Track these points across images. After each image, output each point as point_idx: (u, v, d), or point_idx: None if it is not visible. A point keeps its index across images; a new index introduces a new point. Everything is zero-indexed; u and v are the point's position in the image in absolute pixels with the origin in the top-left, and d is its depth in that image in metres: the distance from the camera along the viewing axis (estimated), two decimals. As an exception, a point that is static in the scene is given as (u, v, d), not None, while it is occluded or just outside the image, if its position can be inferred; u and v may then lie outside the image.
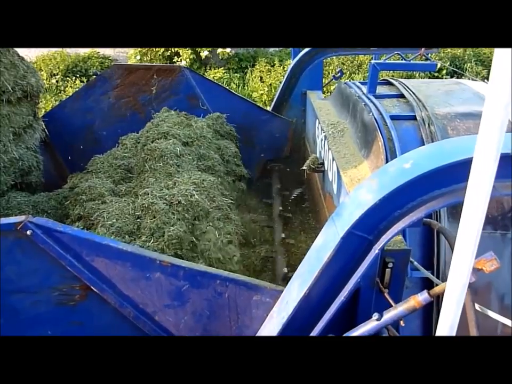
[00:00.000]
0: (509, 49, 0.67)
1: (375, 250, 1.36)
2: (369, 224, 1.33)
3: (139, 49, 8.23)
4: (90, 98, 3.31)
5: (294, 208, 3.30)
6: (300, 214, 3.25)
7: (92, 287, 1.50)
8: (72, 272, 1.48)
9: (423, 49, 2.63)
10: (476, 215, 0.79)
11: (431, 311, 1.90)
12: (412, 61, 2.55)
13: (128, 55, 8.68)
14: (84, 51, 8.79)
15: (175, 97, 3.37)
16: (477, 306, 1.45)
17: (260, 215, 3.31)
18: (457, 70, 8.49)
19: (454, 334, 0.89)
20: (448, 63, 9.31)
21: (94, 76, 3.51)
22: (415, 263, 1.76)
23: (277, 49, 9.38)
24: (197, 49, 8.06)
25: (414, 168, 1.27)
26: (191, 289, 1.54)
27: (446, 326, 0.88)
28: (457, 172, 1.27)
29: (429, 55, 2.98)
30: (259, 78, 8.21)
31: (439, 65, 9.29)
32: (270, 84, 7.89)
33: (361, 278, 1.49)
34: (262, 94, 7.76)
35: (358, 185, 1.45)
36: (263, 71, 8.33)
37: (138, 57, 8.32)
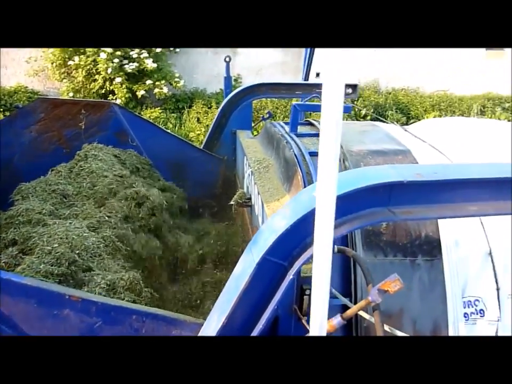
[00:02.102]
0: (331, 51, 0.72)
1: (290, 276, 1.40)
2: (283, 250, 1.38)
3: (72, 86, 8.07)
4: (10, 131, 3.16)
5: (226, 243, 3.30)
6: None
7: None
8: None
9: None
10: (325, 228, 0.86)
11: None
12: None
13: (60, 91, 8.45)
14: (10, 85, 8.44)
15: (103, 133, 3.32)
16: (386, 327, 1.53)
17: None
18: (379, 117, 9.29)
19: (324, 333, 0.93)
20: (372, 110, 10.16)
21: (16, 109, 3.38)
22: (333, 290, 1.82)
23: (214, 91, 9.67)
24: (133, 88, 8.07)
25: (321, 196, 1.35)
26: (104, 326, 1.46)
27: (316, 326, 0.91)
28: (362, 198, 1.37)
29: (346, 100, 3.25)
30: (196, 119, 8.36)
31: (363, 112, 10.11)
32: (207, 125, 8.05)
33: (278, 305, 1.51)
34: (198, 134, 7.88)
35: (274, 213, 1.50)
36: (200, 112, 8.50)
37: (71, 94, 8.13)
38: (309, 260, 1.48)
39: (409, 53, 11.98)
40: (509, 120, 9.02)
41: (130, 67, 7.89)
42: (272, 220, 1.41)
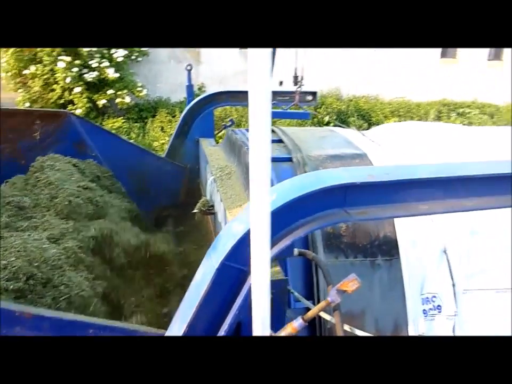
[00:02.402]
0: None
1: (250, 281, 1.40)
2: (242, 254, 1.37)
3: (28, 96, 7.79)
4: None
5: (190, 250, 3.26)
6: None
7: None
8: None
9: (297, 98, 2.94)
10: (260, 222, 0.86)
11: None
12: (288, 110, 2.83)
13: (16, 101, 8.15)
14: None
15: (60, 144, 3.22)
16: (347, 327, 1.55)
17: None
18: (341, 125, 9.54)
19: (268, 332, 0.94)
20: (334, 117, 10.42)
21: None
22: (296, 293, 1.84)
23: (178, 100, 9.62)
24: (93, 98, 7.89)
25: (278, 199, 1.36)
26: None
27: (259, 325, 0.92)
28: (318, 200, 1.40)
29: (305, 107, 3.32)
30: (160, 128, 8.27)
31: (327, 119, 10.34)
32: (171, 134, 7.98)
33: (240, 311, 1.51)
34: (163, 144, 7.78)
35: (233, 218, 1.51)
36: (164, 121, 8.42)
37: (27, 104, 7.85)
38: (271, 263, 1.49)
39: (367, 62, 12.39)
40: (463, 124, 9.50)
41: (90, 76, 7.72)
42: (231, 225, 1.41)
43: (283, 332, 1.46)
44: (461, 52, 13.82)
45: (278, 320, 1.61)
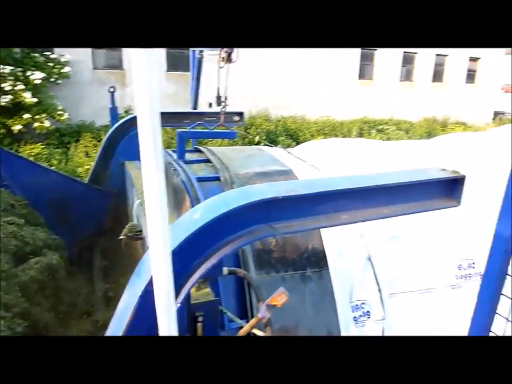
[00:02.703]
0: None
1: (177, 304, 1.34)
2: (167, 278, 1.32)
3: None
4: None
5: (117, 285, 3.09)
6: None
7: None
8: None
9: (222, 119, 2.96)
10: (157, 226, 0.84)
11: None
12: (214, 129, 2.84)
13: None
14: None
15: (-35, 173, 2.92)
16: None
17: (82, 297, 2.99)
18: (269, 144, 9.81)
19: (175, 332, 0.91)
20: (264, 137, 10.67)
21: None
22: (228, 313, 1.80)
23: (103, 123, 9.26)
24: (7, 123, 7.33)
25: (202, 218, 1.34)
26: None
27: (165, 326, 0.88)
28: (242, 217, 1.39)
29: (236, 127, 3.36)
30: (84, 153, 7.87)
31: (257, 139, 10.55)
32: (97, 159, 7.62)
33: (169, 337, 1.44)
34: (88, 169, 7.40)
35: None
36: (88, 146, 8.03)
37: None
38: (195, 284, 1.45)
39: (294, 84, 12.96)
40: (382, 140, 10.21)
41: (3, 100, 7.18)
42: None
43: (215, 355, 1.42)
44: (376, 73, 14.99)
45: (210, 343, 1.56)
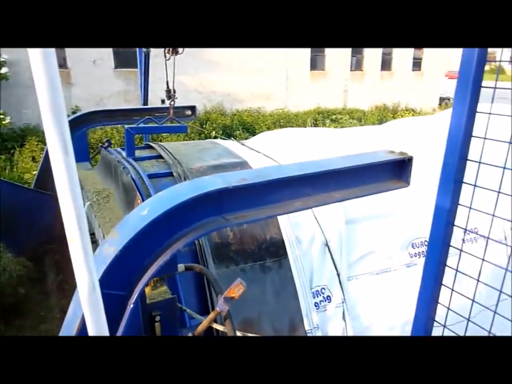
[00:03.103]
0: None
1: (130, 305, 1.29)
2: (117, 279, 1.26)
3: None
4: None
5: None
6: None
7: None
8: None
9: (171, 112, 2.89)
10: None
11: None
12: (164, 124, 2.76)
13: None
14: None
15: None
16: (239, 333, 1.53)
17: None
18: (227, 138, 9.76)
19: (106, 333, 0.88)
20: (221, 132, 10.59)
21: None
22: (188, 310, 1.76)
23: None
24: None
25: (150, 213, 1.29)
26: None
27: (93, 326, 0.84)
28: (193, 210, 1.35)
29: (191, 122, 3.29)
30: (31, 158, 7.46)
31: (213, 134, 10.46)
32: (45, 163, 7.25)
33: (126, 340, 1.39)
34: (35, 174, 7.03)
35: (103, 241, 1.38)
36: (35, 150, 7.62)
37: None
38: (149, 282, 1.40)
39: (247, 77, 12.93)
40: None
41: None
42: (101, 249, 1.29)
43: (175, 354, 1.38)
44: (328, 64, 15.26)
45: (171, 342, 1.52)
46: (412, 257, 2.48)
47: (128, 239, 1.24)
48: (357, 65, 16.33)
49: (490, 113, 0.84)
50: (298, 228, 2.26)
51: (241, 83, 12.98)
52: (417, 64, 17.94)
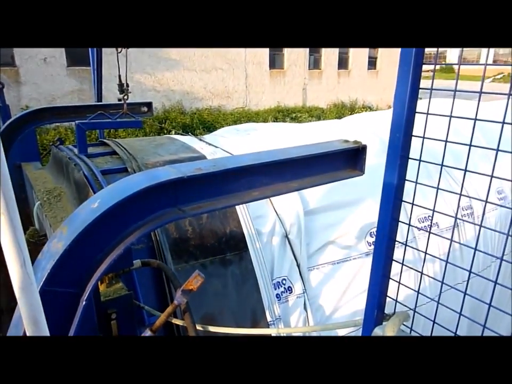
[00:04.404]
0: None
1: (83, 302, 1.24)
2: (67, 275, 1.20)
3: None
4: None
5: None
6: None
7: None
8: None
9: (125, 108, 2.81)
10: None
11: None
12: (118, 119, 2.68)
13: None
14: None
15: None
16: (199, 326, 1.51)
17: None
18: (184, 134, 9.64)
19: (47, 333, 0.84)
20: (180, 131, 10.45)
21: None
22: (146, 307, 1.72)
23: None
24: None
25: (101, 206, 1.24)
26: None
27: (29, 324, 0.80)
28: (147, 201, 1.32)
29: (142, 118, 3.20)
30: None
31: (173, 133, 10.30)
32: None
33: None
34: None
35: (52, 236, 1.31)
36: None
37: None
38: (101, 277, 1.35)
39: (206, 76, 12.83)
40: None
41: None
42: (48, 245, 1.22)
43: (132, 351, 1.34)
44: (287, 62, 15.43)
45: (128, 339, 1.47)
46: (370, 245, 2.55)
47: (77, 232, 1.18)
48: (315, 64, 16.63)
49: (431, 89, 0.87)
50: (258, 220, 2.26)
51: (200, 81, 12.87)
52: (372, 63, 18.53)
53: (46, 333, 0.76)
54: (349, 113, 15.52)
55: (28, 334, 0.74)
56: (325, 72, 16.84)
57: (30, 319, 0.70)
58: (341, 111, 15.64)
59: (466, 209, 3.08)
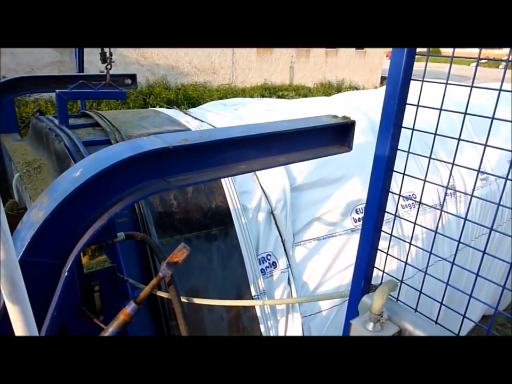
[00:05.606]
0: None
1: (64, 274, 1.21)
2: (48, 245, 1.17)
3: None
4: None
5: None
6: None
7: None
8: None
9: (108, 79, 2.72)
10: None
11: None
12: (100, 89, 2.59)
13: None
14: None
15: None
16: (183, 298, 1.50)
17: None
18: (169, 107, 9.46)
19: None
20: (165, 106, 10.25)
21: None
22: (130, 280, 1.70)
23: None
24: None
25: (83, 175, 1.20)
26: None
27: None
28: (131, 171, 1.28)
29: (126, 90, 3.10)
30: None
31: (158, 108, 10.09)
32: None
33: (62, 311, 1.31)
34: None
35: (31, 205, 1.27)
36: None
37: None
38: (84, 249, 1.32)
39: (192, 51, 12.53)
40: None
41: None
42: (28, 214, 1.18)
43: (115, 323, 1.32)
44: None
45: (111, 312, 1.46)
46: (356, 222, 2.56)
47: (58, 202, 1.14)
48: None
49: (428, 55, 0.85)
50: (244, 196, 2.25)
51: (186, 56, 12.57)
52: (360, 43, 18.34)
53: (24, 292, 0.73)
54: (336, 92, 15.44)
55: (4, 293, 0.71)
56: (312, 51, 16.63)
57: (6, 278, 0.67)
58: (327, 90, 15.55)
59: (449, 190, 3.13)
